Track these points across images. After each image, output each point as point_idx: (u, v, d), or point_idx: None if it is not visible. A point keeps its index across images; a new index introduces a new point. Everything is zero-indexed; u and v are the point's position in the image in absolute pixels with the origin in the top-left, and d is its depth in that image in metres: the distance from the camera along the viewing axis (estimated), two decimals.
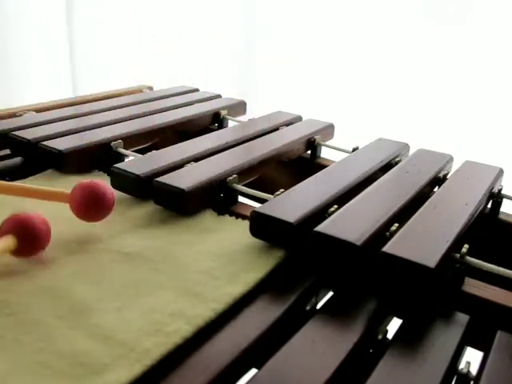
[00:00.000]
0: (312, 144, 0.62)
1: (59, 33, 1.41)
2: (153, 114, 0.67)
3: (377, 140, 0.62)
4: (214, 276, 0.35)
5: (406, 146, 0.61)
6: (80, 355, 0.27)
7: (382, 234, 0.38)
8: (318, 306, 0.36)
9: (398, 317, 0.35)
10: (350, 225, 0.38)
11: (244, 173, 0.50)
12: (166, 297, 0.33)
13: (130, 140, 0.57)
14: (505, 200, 0.50)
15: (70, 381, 0.26)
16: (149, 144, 0.60)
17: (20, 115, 0.65)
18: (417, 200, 0.45)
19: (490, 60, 0.95)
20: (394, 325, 0.34)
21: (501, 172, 0.53)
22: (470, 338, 0.33)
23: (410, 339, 0.32)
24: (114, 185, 0.48)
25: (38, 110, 0.66)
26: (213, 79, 1.19)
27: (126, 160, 0.54)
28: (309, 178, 0.48)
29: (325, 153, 0.63)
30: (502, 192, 0.49)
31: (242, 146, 0.57)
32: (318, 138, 0.62)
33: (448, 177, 0.53)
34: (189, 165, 0.49)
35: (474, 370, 0.30)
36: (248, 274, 0.36)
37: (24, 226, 0.35)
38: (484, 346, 0.32)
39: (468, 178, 0.51)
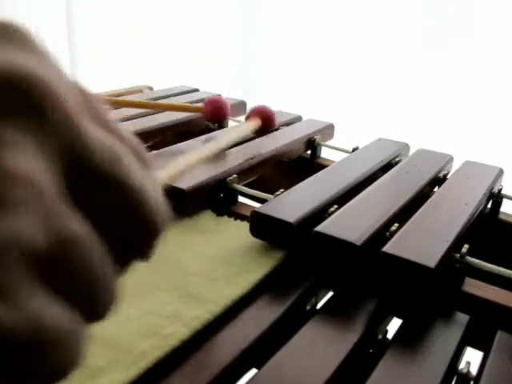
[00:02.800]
0: (312, 144, 0.62)
1: (59, 32, 1.41)
2: (153, 114, 0.67)
3: (377, 140, 0.62)
4: (212, 278, 0.35)
5: (406, 146, 0.61)
6: None
7: (382, 234, 0.38)
8: (318, 306, 0.36)
9: (398, 317, 0.35)
10: (350, 225, 0.38)
11: (244, 173, 0.50)
12: (163, 299, 0.33)
13: None
14: (505, 200, 0.50)
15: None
16: (149, 144, 0.60)
17: None
18: (417, 200, 0.45)
19: (489, 60, 0.95)
20: (394, 325, 0.34)
21: (501, 172, 0.53)
22: (469, 338, 0.33)
23: (410, 339, 0.32)
24: None
25: None
26: (213, 79, 1.19)
27: None
28: (309, 178, 0.48)
29: (325, 153, 0.63)
30: (502, 192, 0.49)
31: (241, 145, 0.57)
32: (318, 137, 0.62)
33: (448, 177, 0.53)
34: None
35: (474, 370, 0.30)
36: (246, 276, 0.36)
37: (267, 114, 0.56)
38: (484, 346, 0.32)
39: (468, 178, 0.51)
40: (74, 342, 0.14)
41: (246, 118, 0.56)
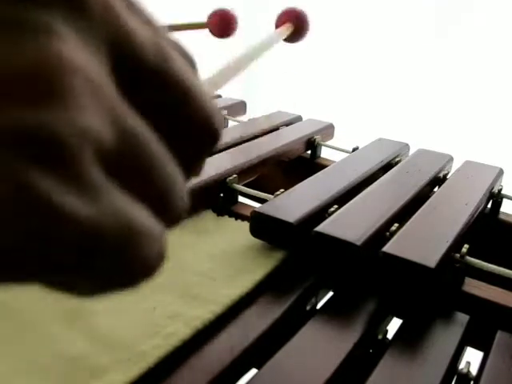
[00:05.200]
0: (312, 144, 0.62)
1: None
2: None
3: (377, 140, 0.62)
4: (213, 277, 0.35)
5: (406, 146, 0.61)
6: (78, 358, 0.27)
7: (382, 234, 0.38)
8: (318, 306, 0.36)
9: (398, 317, 0.35)
10: (350, 225, 0.38)
11: (244, 173, 0.50)
12: (164, 299, 0.33)
13: None
14: (505, 200, 0.50)
15: (66, 383, 0.26)
16: None
17: None
18: (417, 200, 0.45)
19: (489, 60, 0.95)
20: (394, 325, 0.34)
21: (501, 172, 0.53)
22: (470, 338, 0.33)
23: (409, 339, 0.32)
24: None
25: None
26: None
27: None
28: (309, 178, 0.48)
29: (325, 153, 0.63)
30: (502, 192, 0.49)
31: (241, 146, 0.57)
32: (317, 138, 0.62)
33: (448, 177, 0.53)
34: None
35: (474, 370, 0.30)
36: (246, 276, 0.36)
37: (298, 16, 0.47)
38: (484, 346, 0.32)
39: (468, 178, 0.51)
40: (159, 237, 0.14)
41: (276, 26, 0.48)
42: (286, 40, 0.46)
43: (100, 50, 0.14)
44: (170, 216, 0.15)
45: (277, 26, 0.46)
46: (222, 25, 0.53)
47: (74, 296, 0.13)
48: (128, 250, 0.13)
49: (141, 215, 0.13)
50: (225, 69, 0.32)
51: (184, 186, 0.15)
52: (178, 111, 0.16)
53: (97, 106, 0.12)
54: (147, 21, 0.16)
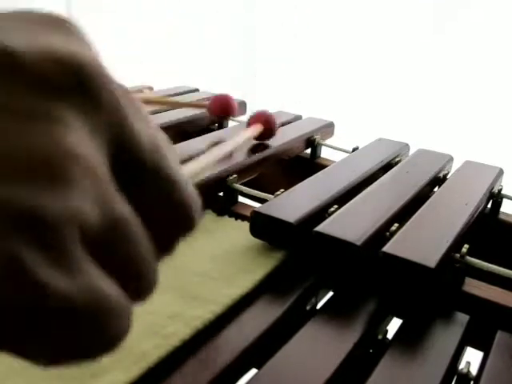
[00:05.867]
0: (312, 143, 0.62)
1: None
2: (153, 114, 0.67)
3: (377, 140, 0.62)
4: (213, 277, 0.35)
5: (406, 146, 0.61)
6: None
7: (382, 234, 0.38)
8: (318, 306, 0.36)
9: (398, 317, 0.35)
10: (350, 225, 0.38)
11: (244, 172, 0.50)
12: (164, 299, 0.33)
13: None
14: (505, 200, 0.50)
15: (66, 383, 0.26)
16: None
17: None
18: (417, 200, 0.45)
19: (488, 58, 0.95)
20: (394, 325, 0.34)
21: (501, 172, 0.53)
22: (470, 338, 0.33)
23: (409, 339, 0.32)
24: None
25: None
26: (213, 79, 1.19)
27: None
28: (309, 178, 0.48)
29: (325, 152, 0.63)
30: (502, 192, 0.49)
31: (241, 145, 0.57)
32: (317, 137, 0.62)
33: (448, 177, 0.53)
34: None
35: (474, 370, 0.30)
36: (246, 276, 0.36)
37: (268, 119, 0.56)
38: (484, 346, 0.32)
39: (468, 178, 0.51)
40: (127, 315, 0.15)
41: (248, 124, 0.57)
42: (255, 138, 0.55)
43: (103, 142, 0.15)
44: (141, 294, 0.17)
45: (248, 126, 0.56)
46: (221, 109, 0.62)
47: (31, 364, 0.14)
48: (96, 323, 0.14)
49: (114, 292, 0.14)
50: (202, 160, 0.34)
51: (156, 268, 0.17)
52: (163, 201, 0.17)
53: (90, 192, 0.14)
54: (146, 118, 0.18)
